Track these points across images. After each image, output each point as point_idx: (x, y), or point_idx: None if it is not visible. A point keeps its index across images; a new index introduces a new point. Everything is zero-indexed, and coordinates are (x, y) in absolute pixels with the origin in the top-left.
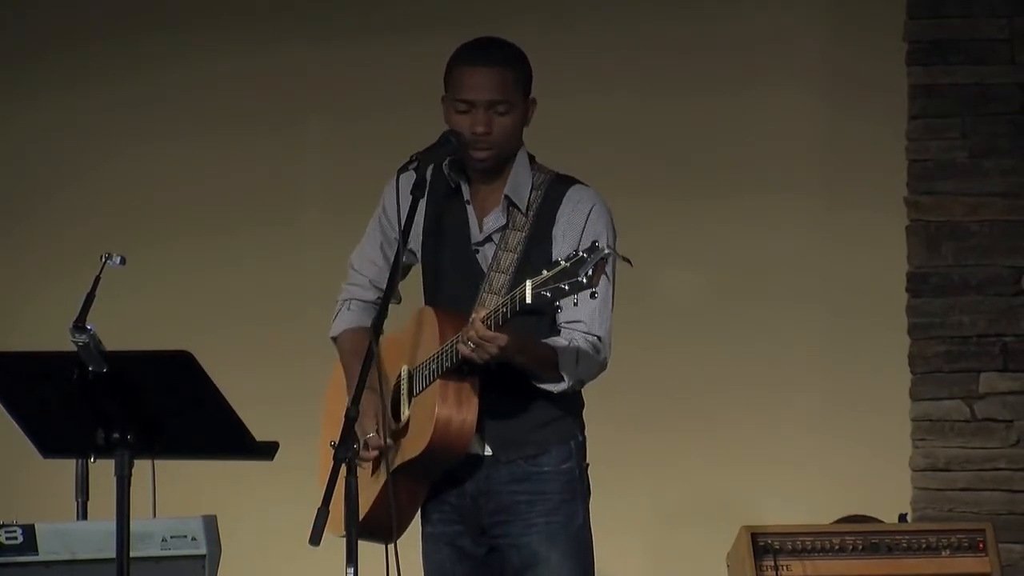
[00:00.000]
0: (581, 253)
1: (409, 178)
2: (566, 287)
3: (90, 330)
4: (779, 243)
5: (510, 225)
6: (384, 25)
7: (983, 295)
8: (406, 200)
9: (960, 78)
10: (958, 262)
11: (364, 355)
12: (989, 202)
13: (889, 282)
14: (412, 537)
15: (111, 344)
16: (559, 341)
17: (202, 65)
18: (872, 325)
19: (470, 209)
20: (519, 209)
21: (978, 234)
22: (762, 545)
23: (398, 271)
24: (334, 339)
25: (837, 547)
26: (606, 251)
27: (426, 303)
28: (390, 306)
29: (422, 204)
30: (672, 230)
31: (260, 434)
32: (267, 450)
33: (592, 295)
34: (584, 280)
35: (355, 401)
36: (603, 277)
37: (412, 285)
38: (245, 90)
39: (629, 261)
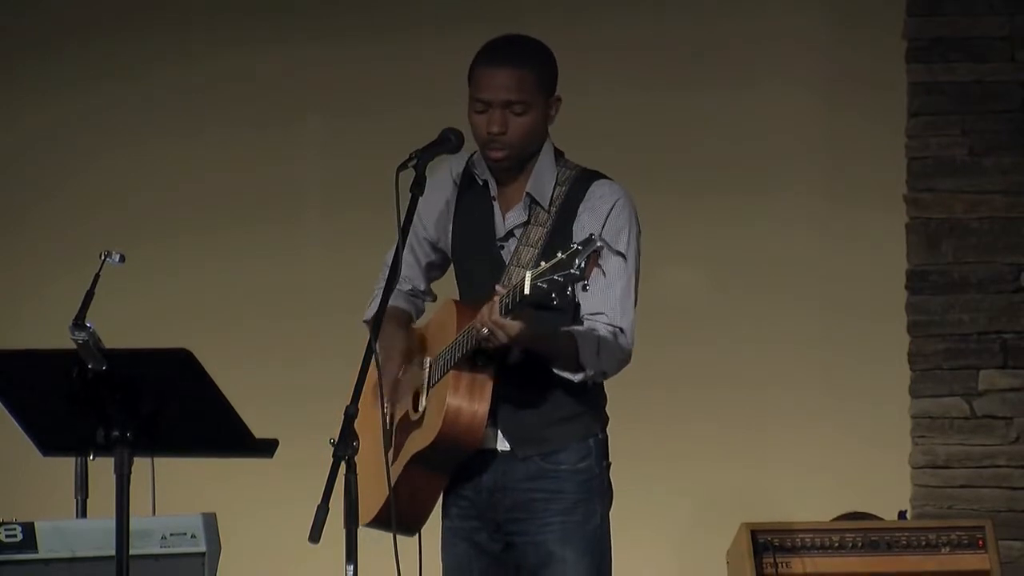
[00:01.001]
0: (575, 245)
1: (409, 176)
2: (560, 279)
3: (89, 328)
4: (779, 241)
5: (532, 221)
6: (384, 25)
7: (983, 292)
8: (405, 198)
9: (960, 75)
10: (958, 259)
11: (403, 327)
12: (989, 199)
13: (889, 279)
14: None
15: (110, 342)
16: (579, 329)
17: (202, 65)
18: (872, 322)
19: (496, 205)
20: (541, 205)
21: (978, 231)
22: (762, 542)
23: (398, 270)
24: (367, 322)
25: (837, 544)
26: (598, 243)
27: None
28: (426, 303)
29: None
30: (672, 228)
31: (259, 431)
32: (266, 448)
33: (584, 287)
34: (577, 272)
35: (355, 400)
36: (613, 268)
37: (445, 283)
38: (245, 90)
39: (623, 255)
